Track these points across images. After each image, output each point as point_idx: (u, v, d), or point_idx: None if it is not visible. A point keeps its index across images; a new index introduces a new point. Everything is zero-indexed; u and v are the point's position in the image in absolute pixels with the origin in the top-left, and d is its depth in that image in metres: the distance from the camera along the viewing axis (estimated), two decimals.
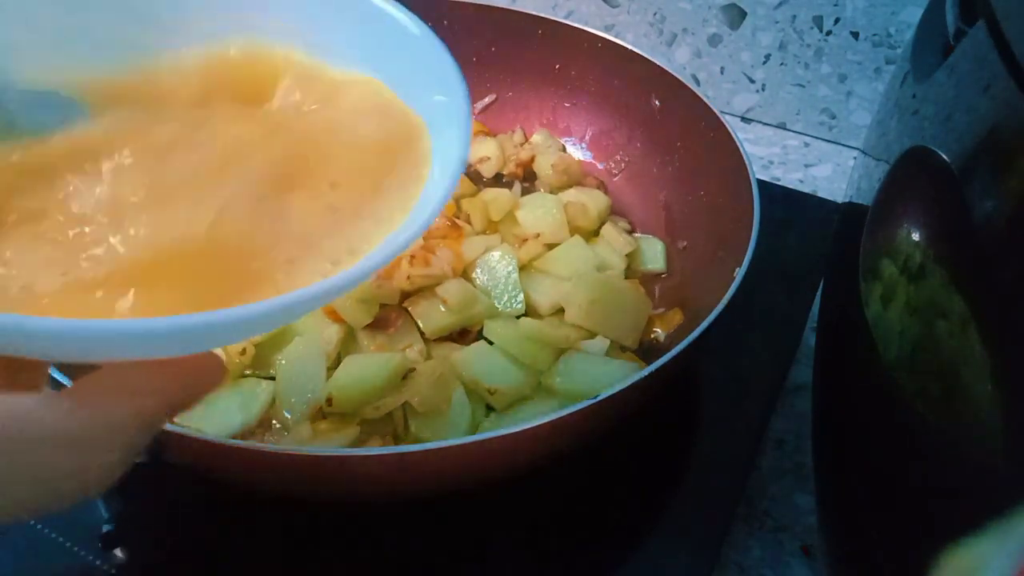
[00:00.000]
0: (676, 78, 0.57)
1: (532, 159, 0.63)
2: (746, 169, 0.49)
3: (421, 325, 0.49)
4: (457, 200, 0.58)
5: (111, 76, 0.33)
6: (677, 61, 0.77)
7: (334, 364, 0.46)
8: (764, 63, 0.74)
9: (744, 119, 0.78)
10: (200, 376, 0.25)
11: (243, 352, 0.45)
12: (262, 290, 0.26)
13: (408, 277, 0.49)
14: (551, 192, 0.60)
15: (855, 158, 0.72)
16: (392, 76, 0.34)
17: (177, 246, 0.27)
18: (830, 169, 0.73)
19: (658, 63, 0.58)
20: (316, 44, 0.35)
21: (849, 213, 0.35)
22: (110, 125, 0.31)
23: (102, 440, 0.22)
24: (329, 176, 0.31)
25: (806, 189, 0.70)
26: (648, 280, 0.56)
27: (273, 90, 0.35)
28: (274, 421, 0.44)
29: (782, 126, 0.77)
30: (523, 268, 0.53)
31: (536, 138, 0.65)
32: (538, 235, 0.55)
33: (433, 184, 0.31)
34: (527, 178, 0.64)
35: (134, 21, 0.34)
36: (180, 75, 0.34)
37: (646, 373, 0.36)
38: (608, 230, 0.57)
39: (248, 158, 0.32)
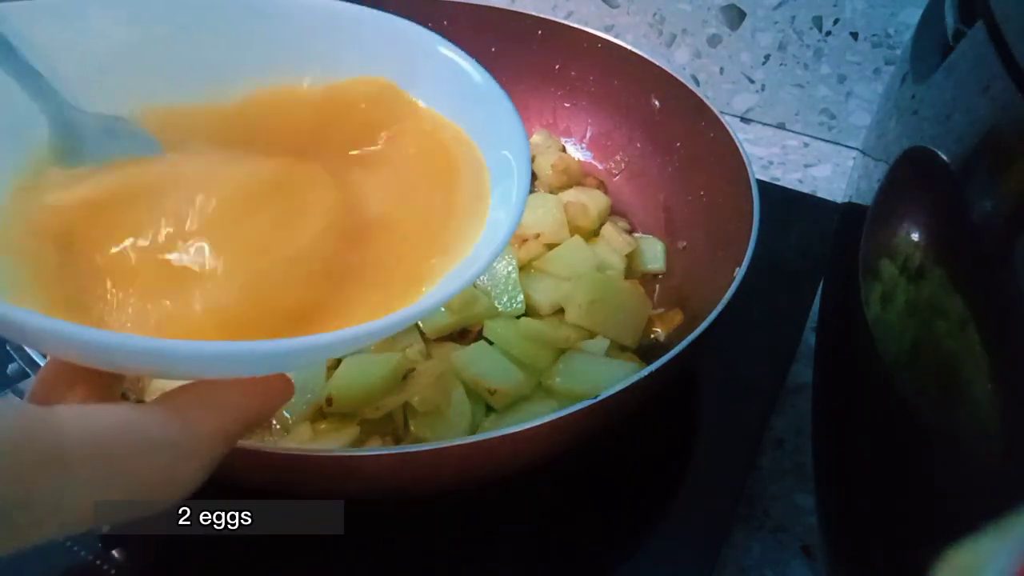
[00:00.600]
0: (676, 78, 0.57)
1: (532, 159, 0.63)
2: (746, 169, 0.49)
3: (421, 325, 0.49)
4: None
5: (184, 105, 0.35)
6: (677, 61, 0.78)
7: (334, 364, 0.46)
8: (764, 63, 0.74)
9: (744, 119, 0.78)
10: (273, 394, 0.27)
11: None
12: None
13: None
14: (551, 192, 0.60)
15: (854, 158, 0.72)
16: (467, 123, 0.36)
17: (266, 278, 0.29)
18: (830, 169, 0.73)
19: (658, 63, 0.58)
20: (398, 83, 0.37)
21: (849, 213, 0.35)
22: (189, 160, 0.32)
23: (190, 450, 0.24)
24: (408, 215, 0.33)
25: (806, 189, 0.70)
26: (648, 280, 0.56)
27: (357, 121, 0.37)
28: (274, 421, 0.44)
29: (782, 126, 0.77)
30: (523, 268, 0.53)
31: (536, 138, 0.65)
32: (538, 235, 0.55)
33: (492, 227, 0.32)
34: None
35: (211, 54, 0.36)
36: (264, 109, 0.36)
37: (646, 373, 0.36)
38: (608, 230, 0.57)
39: (332, 197, 0.33)
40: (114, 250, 0.28)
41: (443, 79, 0.36)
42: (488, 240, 0.31)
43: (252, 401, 0.26)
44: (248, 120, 0.36)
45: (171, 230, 0.28)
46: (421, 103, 0.37)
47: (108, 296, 0.27)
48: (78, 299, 0.27)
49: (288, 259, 0.30)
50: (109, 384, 0.27)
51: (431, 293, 0.29)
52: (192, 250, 0.28)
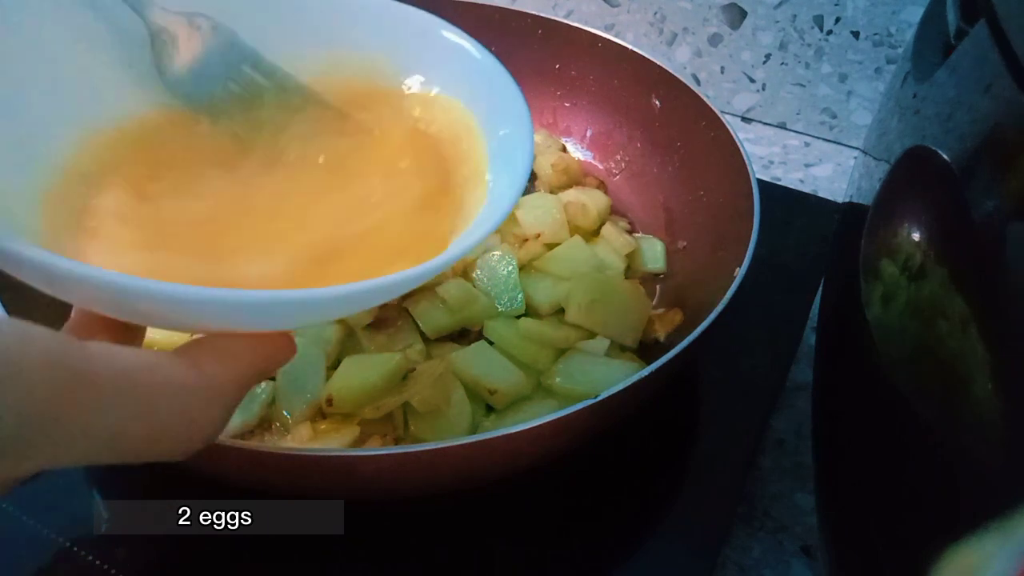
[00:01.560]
0: (676, 78, 0.57)
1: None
2: (746, 169, 0.49)
3: (421, 325, 0.49)
4: None
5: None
6: (677, 61, 0.77)
7: (334, 364, 0.46)
8: (764, 63, 0.74)
9: (744, 119, 0.78)
10: (279, 349, 0.29)
11: None
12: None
13: None
14: (551, 192, 0.60)
15: (855, 158, 0.72)
16: (470, 103, 0.38)
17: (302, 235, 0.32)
18: (830, 169, 0.73)
19: (658, 63, 0.58)
20: (407, 66, 0.39)
21: (849, 213, 0.35)
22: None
23: (209, 395, 0.26)
24: (416, 178, 0.35)
25: (806, 189, 0.70)
26: (648, 280, 0.56)
27: (369, 101, 0.39)
28: (274, 421, 0.44)
29: (782, 126, 0.77)
30: (523, 268, 0.53)
31: (536, 138, 0.65)
32: (538, 235, 0.55)
33: (496, 196, 0.34)
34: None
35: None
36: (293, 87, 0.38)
37: (646, 373, 0.36)
38: (608, 230, 0.57)
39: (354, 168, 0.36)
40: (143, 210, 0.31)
41: (446, 62, 0.38)
42: (490, 210, 0.33)
43: (261, 355, 0.28)
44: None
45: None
46: (415, 90, 0.38)
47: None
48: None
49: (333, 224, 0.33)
50: (131, 341, 0.29)
51: (436, 258, 0.30)
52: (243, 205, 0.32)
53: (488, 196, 0.34)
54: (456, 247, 0.30)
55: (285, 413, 0.43)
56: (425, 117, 0.38)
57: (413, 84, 0.39)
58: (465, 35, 0.38)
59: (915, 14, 0.66)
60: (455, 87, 0.38)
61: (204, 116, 0.36)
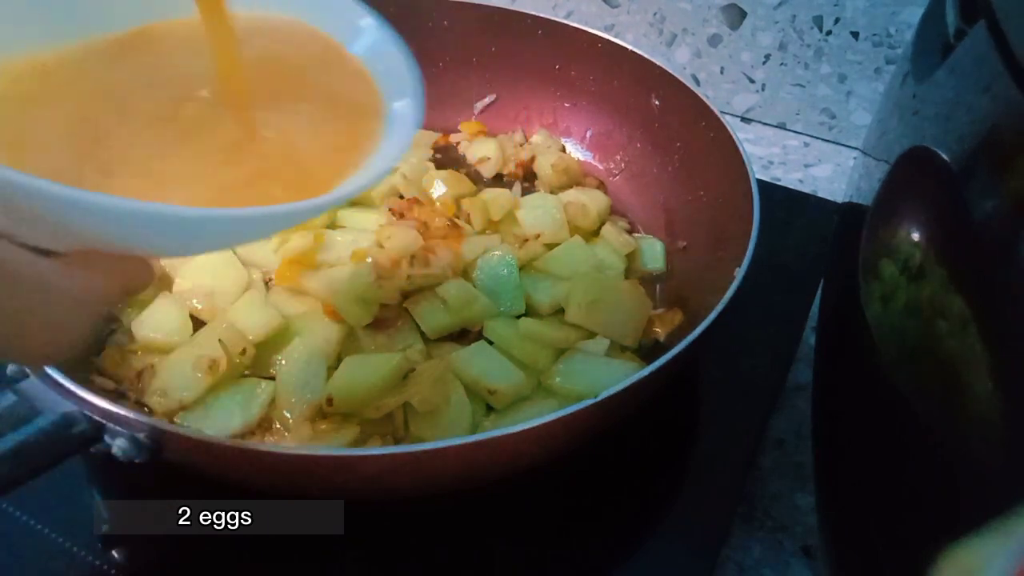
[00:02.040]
0: (676, 78, 0.57)
1: (532, 159, 0.63)
2: (746, 169, 0.49)
3: (421, 325, 0.49)
4: (457, 200, 0.58)
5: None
6: (677, 61, 0.78)
7: (334, 364, 0.46)
8: (764, 63, 0.74)
9: (744, 119, 0.78)
10: (139, 274, 0.31)
11: (243, 352, 0.45)
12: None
13: (408, 277, 0.49)
14: (551, 192, 0.60)
15: (855, 158, 0.72)
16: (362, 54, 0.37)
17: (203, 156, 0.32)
18: (830, 169, 0.73)
19: (658, 63, 0.58)
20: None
21: (849, 213, 0.35)
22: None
23: (73, 301, 0.28)
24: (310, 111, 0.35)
25: (806, 189, 0.70)
26: (648, 280, 0.56)
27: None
28: (274, 421, 0.44)
29: (782, 126, 0.77)
30: (523, 268, 0.53)
31: (536, 138, 0.66)
32: (538, 235, 0.55)
33: (390, 140, 0.34)
34: (527, 178, 0.64)
35: None
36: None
37: (646, 373, 0.36)
38: (608, 230, 0.57)
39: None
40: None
41: (344, 26, 0.37)
42: (387, 149, 0.33)
43: (126, 275, 0.30)
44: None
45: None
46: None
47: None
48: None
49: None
50: None
51: (336, 189, 0.31)
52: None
53: (384, 137, 0.34)
54: (345, 187, 0.31)
55: (285, 413, 0.43)
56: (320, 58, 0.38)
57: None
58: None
59: (915, 14, 0.66)
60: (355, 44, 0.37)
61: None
